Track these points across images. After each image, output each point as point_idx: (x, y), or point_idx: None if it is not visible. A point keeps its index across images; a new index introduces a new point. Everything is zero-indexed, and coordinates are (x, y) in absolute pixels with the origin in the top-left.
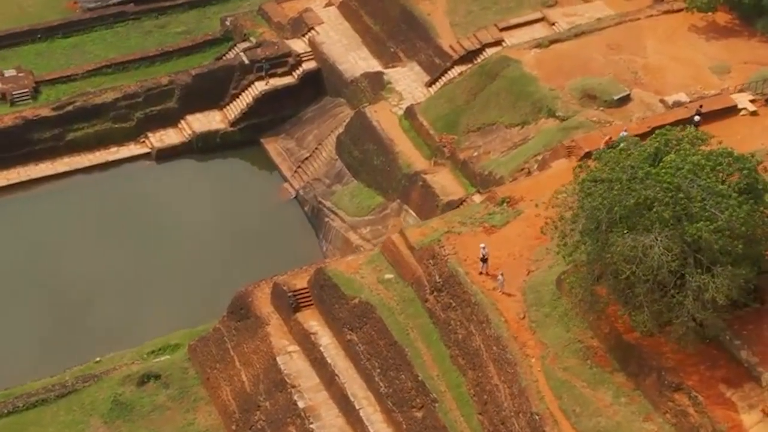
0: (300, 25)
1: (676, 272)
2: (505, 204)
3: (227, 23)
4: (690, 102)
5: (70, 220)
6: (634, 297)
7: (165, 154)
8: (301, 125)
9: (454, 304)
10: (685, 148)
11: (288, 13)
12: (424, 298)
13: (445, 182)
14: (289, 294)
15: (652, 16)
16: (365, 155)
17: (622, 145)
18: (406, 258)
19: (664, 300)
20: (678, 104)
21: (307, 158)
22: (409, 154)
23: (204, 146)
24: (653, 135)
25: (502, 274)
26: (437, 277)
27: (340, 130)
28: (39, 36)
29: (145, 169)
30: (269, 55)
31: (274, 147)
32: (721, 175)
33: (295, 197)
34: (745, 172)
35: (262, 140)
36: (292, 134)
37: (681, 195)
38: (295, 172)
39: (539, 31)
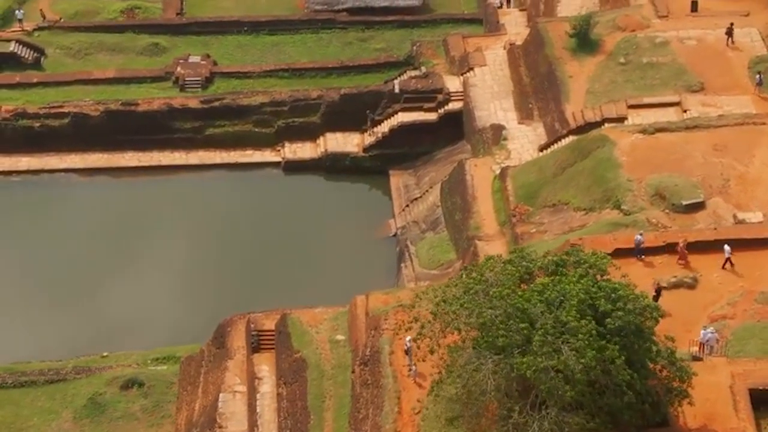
0: (464, 63)
1: (503, 403)
2: None
3: (414, 48)
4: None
5: (180, 212)
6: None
7: (293, 166)
8: (428, 165)
9: (370, 382)
10: (569, 273)
11: (468, 49)
12: (353, 368)
13: (493, 253)
14: (253, 333)
15: None
16: (453, 208)
17: (512, 256)
18: (359, 323)
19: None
20: (740, 223)
21: (416, 199)
22: (485, 216)
23: (332, 166)
24: (545, 253)
25: (414, 365)
26: (368, 351)
27: None
28: (245, 29)
29: (271, 177)
30: (420, 88)
31: (396, 180)
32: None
33: (394, 235)
34: (620, 313)
35: (390, 171)
36: (417, 171)
37: (523, 324)
38: (402, 210)
39: (669, 115)
